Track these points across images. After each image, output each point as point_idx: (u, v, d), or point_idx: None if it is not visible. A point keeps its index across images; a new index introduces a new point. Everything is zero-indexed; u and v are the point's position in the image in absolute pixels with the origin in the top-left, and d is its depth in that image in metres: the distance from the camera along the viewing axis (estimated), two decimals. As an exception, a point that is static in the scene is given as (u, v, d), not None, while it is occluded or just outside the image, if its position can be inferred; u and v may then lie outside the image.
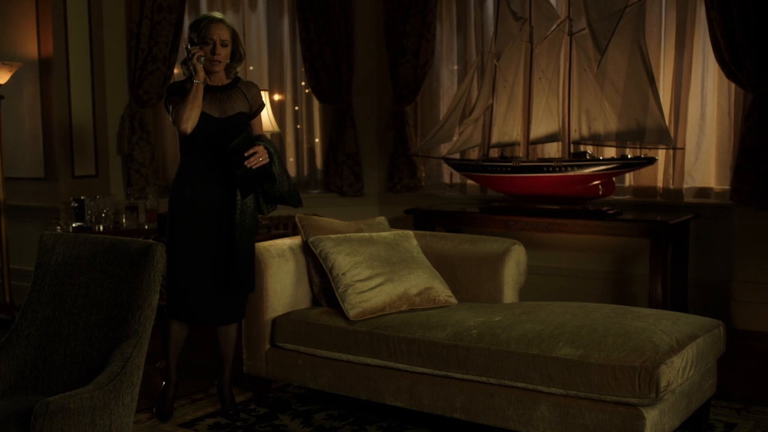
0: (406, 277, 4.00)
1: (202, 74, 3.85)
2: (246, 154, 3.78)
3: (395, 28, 6.67)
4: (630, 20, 5.38)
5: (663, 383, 3.06)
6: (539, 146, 5.99)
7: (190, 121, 3.82)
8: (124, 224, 5.68)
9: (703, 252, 5.61)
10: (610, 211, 5.45)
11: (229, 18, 6.85)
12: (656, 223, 5.21)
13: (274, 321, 4.11)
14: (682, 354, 3.19)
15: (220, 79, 4.02)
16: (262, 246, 4.16)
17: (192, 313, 3.99)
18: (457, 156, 6.26)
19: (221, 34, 3.90)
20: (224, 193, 3.92)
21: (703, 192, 5.72)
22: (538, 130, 5.77)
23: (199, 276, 3.92)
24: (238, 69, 4.07)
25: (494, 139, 5.93)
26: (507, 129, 5.89)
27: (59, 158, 6.18)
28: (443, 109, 6.70)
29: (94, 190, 6.03)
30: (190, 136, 3.88)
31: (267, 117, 5.41)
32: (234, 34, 3.97)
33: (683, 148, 5.64)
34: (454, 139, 6.20)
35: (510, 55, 5.82)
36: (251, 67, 6.96)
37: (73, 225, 5.61)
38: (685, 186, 5.72)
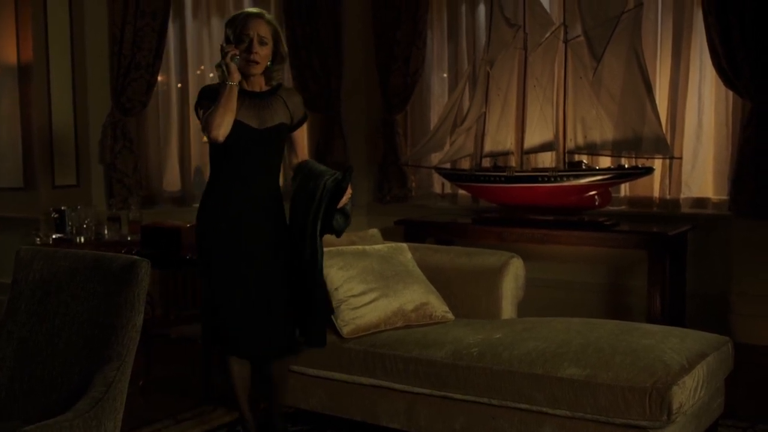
0: (401, 292, 3.84)
1: (236, 75, 3.37)
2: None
3: (385, 35, 6.54)
4: (626, 27, 5.27)
5: (675, 405, 2.92)
6: (532, 156, 5.86)
7: (222, 128, 3.35)
8: (107, 236, 5.50)
9: (700, 264, 5.49)
10: (607, 222, 5.32)
11: (215, 25, 6.75)
12: (654, 235, 5.09)
13: (264, 338, 3.93)
14: (694, 374, 3.06)
15: (259, 84, 3.55)
16: (251, 259, 3.99)
17: (237, 345, 3.55)
18: (448, 165, 6.12)
19: (259, 30, 3.43)
20: (258, 212, 3.51)
21: (700, 202, 5.61)
22: (532, 139, 5.64)
23: (238, 303, 3.48)
24: (281, 74, 3.62)
25: (487, 148, 5.79)
26: (500, 138, 5.76)
27: (39, 167, 5.99)
28: (434, 117, 6.57)
29: (75, 201, 5.84)
30: (222, 146, 3.42)
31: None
32: (275, 32, 3.50)
33: (681, 158, 5.52)
34: (446, 148, 6.06)
35: (503, 62, 5.69)
36: (237, 75, 6.79)
37: (54, 236, 5.42)
38: (682, 196, 5.61)
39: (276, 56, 3.53)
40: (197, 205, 6.79)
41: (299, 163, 3.69)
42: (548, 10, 5.77)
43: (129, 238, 5.46)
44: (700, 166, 5.59)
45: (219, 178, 3.55)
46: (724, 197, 5.47)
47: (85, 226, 5.45)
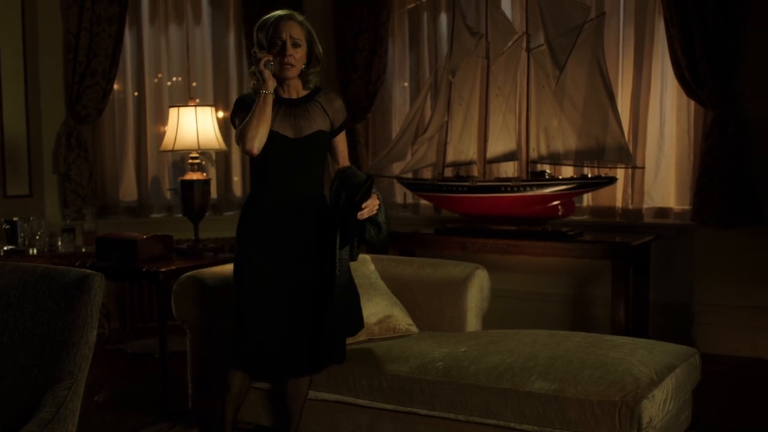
0: (364, 305, 3.73)
1: (270, 83, 3.20)
2: (363, 206, 3.21)
3: (346, 44, 6.46)
4: (589, 36, 5.25)
5: (645, 419, 2.87)
6: (495, 165, 5.81)
7: (256, 140, 3.17)
8: (60, 247, 5.35)
9: (664, 273, 5.48)
10: (570, 233, 5.29)
11: (173, 32, 6.63)
12: (618, 245, 5.06)
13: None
14: (663, 387, 3.01)
15: (296, 89, 3.40)
16: (209, 272, 3.89)
17: (255, 361, 3.36)
18: (410, 175, 6.06)
19: (292, 31, 3.27)
20: (297, 225, 3.35)
21: (663, 212, 5.61)
22: (495, 148, 5.59)
23: (267, 320, 3.31)
24: (317, 77, 3.45)
25: (449, 158, 5.74)
26: (463, 147, 5.71)
27: (-10, 177, 5.84)
28: (395, 126, 6.51)
29: (27, 211, 5.69)
30: (260, 160, 3.28)
31: (214, 134, 5.11)
32: (309, 33, 3.34)
33: (643, 168, 5.52)
34: (408, 157, 6.00)
35: (466, 71, 5.64)
36: (194, 83, 6.68)
37: (5, 248, 5.27)
38: (644, 206, 5.60)
39: (311, 58, 3.39)
40: (155, 215, 6.73)
41: (338, 170, 3.51)
42: (510, 19, 5.74)
43: (83, 250, 5.33)
44: (662, 175, 5.58)
45: (258, 189, 3.40)
46: (687, 207, 5.48)
47: (37, 237, 5.31)
